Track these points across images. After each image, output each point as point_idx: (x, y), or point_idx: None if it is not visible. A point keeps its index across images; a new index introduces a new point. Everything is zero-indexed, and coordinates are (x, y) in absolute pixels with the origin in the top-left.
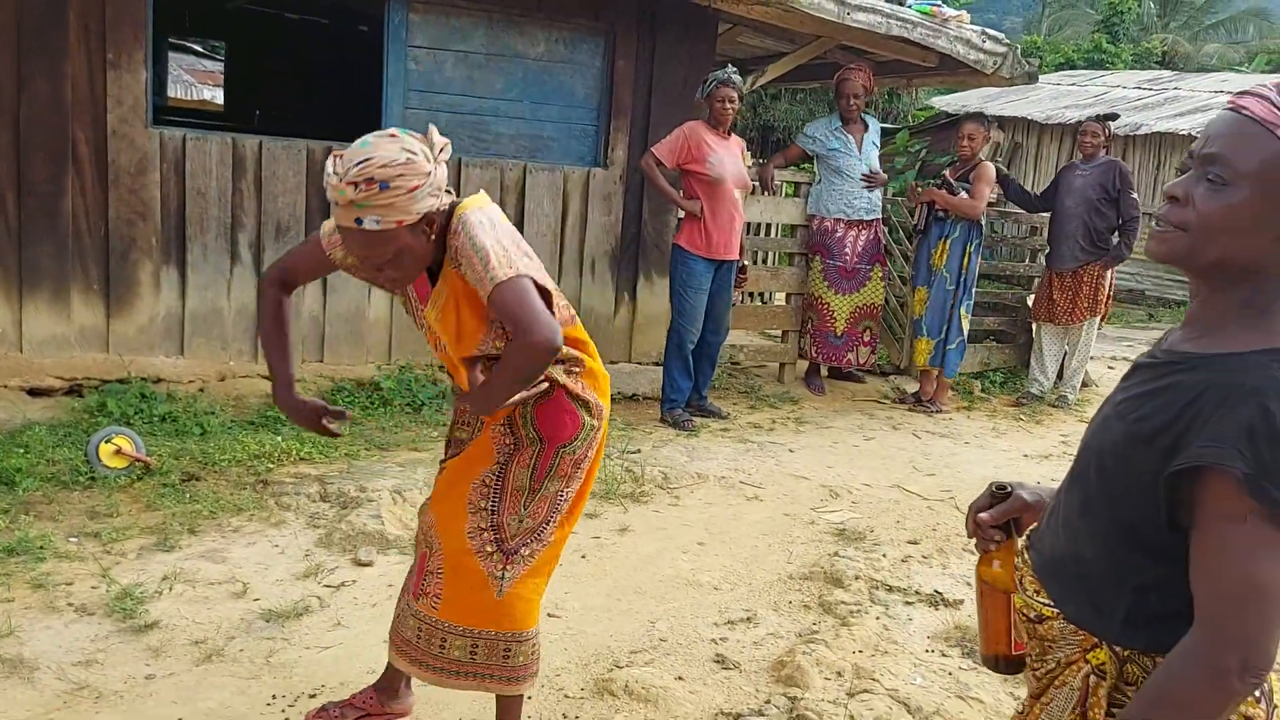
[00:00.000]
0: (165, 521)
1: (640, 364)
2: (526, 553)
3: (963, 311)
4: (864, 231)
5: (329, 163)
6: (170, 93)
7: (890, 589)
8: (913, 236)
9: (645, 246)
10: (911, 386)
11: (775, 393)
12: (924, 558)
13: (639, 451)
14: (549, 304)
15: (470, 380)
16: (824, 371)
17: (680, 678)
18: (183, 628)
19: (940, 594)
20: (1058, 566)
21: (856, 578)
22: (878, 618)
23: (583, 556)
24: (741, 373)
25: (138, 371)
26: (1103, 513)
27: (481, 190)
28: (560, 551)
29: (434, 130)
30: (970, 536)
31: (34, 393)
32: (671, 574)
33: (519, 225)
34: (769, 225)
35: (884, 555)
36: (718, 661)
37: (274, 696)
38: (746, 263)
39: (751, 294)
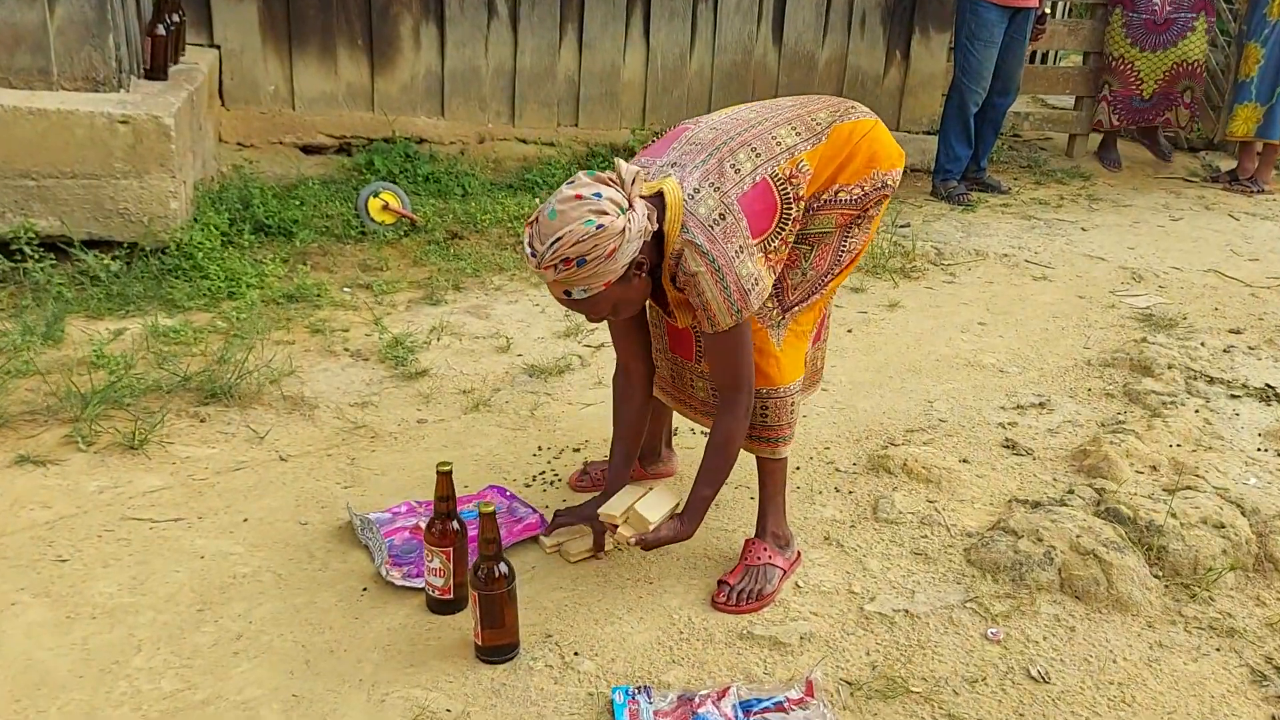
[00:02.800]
0: (431, 277)
1: (910, 132)
2: (799, 297)
3: None
4: None
5: (525, 236)
6: None
7: (1211, 380)
8: None
9: None
10: (1227, 164)
11: (1063, 168)
12: (1250, 348)
13: (908, 225)
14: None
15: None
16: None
17: (965, 460)
18: (451, 377)
19: (1273, 388)
20: None
21: (1169, 366)
22: (1197, 411)
23: (849, 331)
24: (1023, 145)
25: (401, 131)
26: None
27: (668, 179)
28: (828, 301)
29: (621, 164)
30: None
31: (307, 150)
32: (949, 353)
33: None
34: None
35: (1201, 344)
36: (1007, 446)
37: (539, 448)
38: (1046, 10)
39: (1043, 55)
